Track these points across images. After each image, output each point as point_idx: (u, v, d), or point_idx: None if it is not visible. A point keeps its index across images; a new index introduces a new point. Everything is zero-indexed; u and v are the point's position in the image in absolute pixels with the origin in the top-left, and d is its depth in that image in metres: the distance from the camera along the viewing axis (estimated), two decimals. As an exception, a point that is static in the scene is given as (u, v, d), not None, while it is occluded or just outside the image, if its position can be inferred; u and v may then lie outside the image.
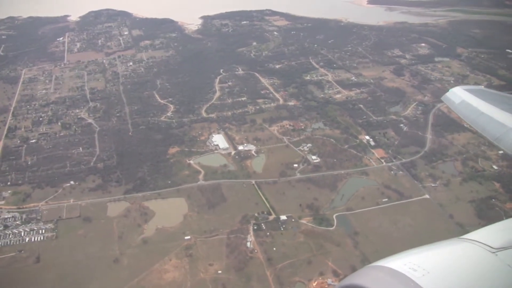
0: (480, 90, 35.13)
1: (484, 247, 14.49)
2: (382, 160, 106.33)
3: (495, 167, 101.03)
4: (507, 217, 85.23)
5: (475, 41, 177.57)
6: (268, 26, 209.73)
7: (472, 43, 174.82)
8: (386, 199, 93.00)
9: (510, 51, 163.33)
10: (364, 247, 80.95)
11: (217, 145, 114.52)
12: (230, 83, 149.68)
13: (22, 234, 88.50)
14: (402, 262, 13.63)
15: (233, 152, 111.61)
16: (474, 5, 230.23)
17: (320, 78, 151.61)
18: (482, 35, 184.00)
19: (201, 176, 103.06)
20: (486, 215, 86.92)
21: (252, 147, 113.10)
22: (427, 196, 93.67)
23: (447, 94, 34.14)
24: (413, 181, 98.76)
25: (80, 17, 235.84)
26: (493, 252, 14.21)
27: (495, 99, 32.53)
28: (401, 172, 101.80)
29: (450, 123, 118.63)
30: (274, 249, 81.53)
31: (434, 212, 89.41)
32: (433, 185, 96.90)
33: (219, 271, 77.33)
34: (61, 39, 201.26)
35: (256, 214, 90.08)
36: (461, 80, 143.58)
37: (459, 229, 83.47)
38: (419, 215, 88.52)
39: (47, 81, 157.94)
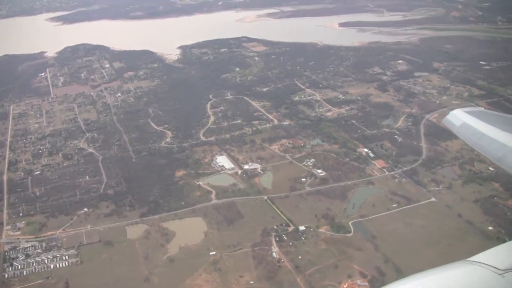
0: (481, 111, 37.83)
1: (491, 269, 15.22)
2: (384, 170, 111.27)
3: (491, 168, 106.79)
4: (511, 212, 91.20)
5: (448, 55, 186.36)
6: (248, 52, 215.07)
7: (446, 58, 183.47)
8: (396, 205, 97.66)
9: (483, 62, 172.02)
10: (384, 249, 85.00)
11: (223, 165, 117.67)
12: (222, 108, 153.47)
13: (46, 262, 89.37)
14: (412, 286, 15.05)
15: (239, 172, 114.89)
16: (441, 23, 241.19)
17: (308, 98, 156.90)
18: (454, 50, 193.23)
19: (213, 196, 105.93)
20: (492, 212, 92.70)
21: (257, 166, 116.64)
22: (433, 199, 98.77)
23: (448, 116, 36.35)
24: (418, 186, 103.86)
25: (57, 53, 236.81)
26: (500, 274, 14.98)
27: (495, 120, 34.01)
28: (404, 180, 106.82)
29: (441, 132, 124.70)
30: (300, 257, 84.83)
31: (442, 213, 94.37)
32: (437, 189, 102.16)
33: (251, 282, 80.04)
34: (43, 74, 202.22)
35: (275, 227, 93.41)
36: (443, 92, 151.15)
37: (470, 226, 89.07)
38: (430, 217, 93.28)
39: (38, 115, 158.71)
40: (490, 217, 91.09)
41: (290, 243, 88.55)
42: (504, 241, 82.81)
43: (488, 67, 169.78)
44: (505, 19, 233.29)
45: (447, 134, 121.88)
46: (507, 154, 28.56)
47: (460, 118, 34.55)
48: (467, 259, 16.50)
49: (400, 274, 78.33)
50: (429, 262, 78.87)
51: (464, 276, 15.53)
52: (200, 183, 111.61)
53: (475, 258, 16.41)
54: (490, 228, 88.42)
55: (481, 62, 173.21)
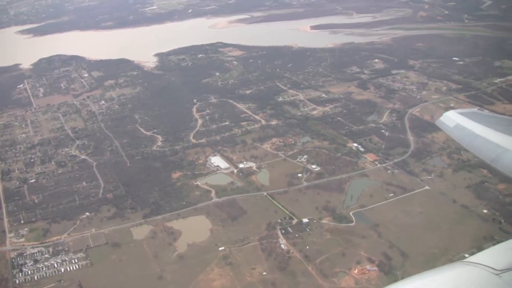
0: (474, 112, 39.45)
1: (488, 270, 15.29)
2: (376, 162, 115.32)
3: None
4: (503, 195, 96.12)
5: (422, 53, 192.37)
6: (225, 57, 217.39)
7: (420, 55, 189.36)
8: (392, 194, 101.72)
9: (456, 58, 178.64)
10: (387, 236, 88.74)
11: (218, 165, 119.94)
12: (208, 111, 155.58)
13: (56, 266, 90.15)
14: None
15: (235, 170, 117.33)
16: (409, 22, 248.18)
17: (292, 98, 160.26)
18: (426, 48, 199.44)
19: (213, 194, 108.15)
20: (485, 196, 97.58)
21: (252, 164, 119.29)
22: (427, 187, 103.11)
23: (441, 118, 36.70)
24: (410, 176, 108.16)
25: (32, 64, 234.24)
26: (497, 274, 15.03)
27: (489, 121, 34.27)
28: (397, 171, 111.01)
29: (425, 125, 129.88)
30: (307, 247, 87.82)
31: (438, 199, 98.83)
32: (429, 177, 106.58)
33: (264, 273, 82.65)
34: (21, 86, 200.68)
35: (279, 220, 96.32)
36: (422, 87, 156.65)
37: (466, 210, 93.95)
38: (426, 203, 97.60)
39: (23, 125, 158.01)
40: (483, 201, 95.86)
41: (296, 235, 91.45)
42: (499, 223, 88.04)
43: (461, 62, 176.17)
44: (471, 17, 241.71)
45: (431, 126, 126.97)
46: (501, 154, 28.89)
47: (453, 119, 35.01)
48: (463, 260, 16.71)
49: (406, 257, 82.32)
50: (432, 244, 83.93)
51: (460, 277, 15.51)
52: (198, 183, 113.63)
53: (471, 259, 16.55)
54: (485, 211, 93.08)
55: (454, 58, 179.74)
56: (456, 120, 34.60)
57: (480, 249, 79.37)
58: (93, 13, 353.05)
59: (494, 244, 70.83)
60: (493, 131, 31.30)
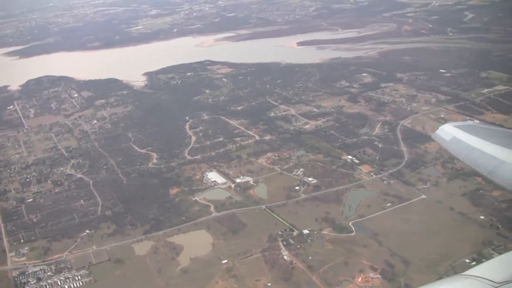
0: (470, 125, 40.28)
1: (487, 282, 15.32)
2: (372, 174, 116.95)
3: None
4: (498, 202, 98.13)
5: (408, 66, 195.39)
6: (214, 75, 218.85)
7: (407, 68, 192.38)
8: (390, 204, 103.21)
9: (443, 70, 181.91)
10: (388, 244, 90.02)
11: (215, 181, 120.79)
12: (201, 127, 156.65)
13: (59, 283, 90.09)
14: None
15: (233, 185, 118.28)
16: (395, 37, 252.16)
17: (284, 113, 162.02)
18: (413, 61, 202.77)
19: (212, 209, 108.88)
20: (481, 203, 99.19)
21: (249, 179, 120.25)
22: (424, 196, 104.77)
23: (438, 131, 37.30)
24: (406, 186, 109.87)
25: (20, 86, 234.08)
26: (496, 287, 15.11)
27: (485, 133, 34.62)
28: (392, 181, 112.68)
29: (418, 136, 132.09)
30: (310, 258, 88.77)
31: (435, 207, 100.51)
32: (425, 186, 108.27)
33: (269, 284, 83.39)
34: (11, 107, 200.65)
35: (280, 232, 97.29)
36: (411, 99, 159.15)
37: (463, 217, 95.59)
38: (424, 212, 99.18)
39: (16, 146, 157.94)
40: (479, 208, 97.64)
41: (298, 246, 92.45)
42: (497, 228, 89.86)
43: (448, 74, 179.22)
44: (455, 29, 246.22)
45: (423, 137, 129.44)
46: (498, 167, 29.02)
47: (449, 132, 35.66)
48: (463, 273, 16.81)
49: (408, 264, 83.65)
50: (433, 251, 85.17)
51: None
52: (196, 198, 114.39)
53: (471, 272, 16.65)
54: (482, 217, 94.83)
55: (441, 70, 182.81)
56: (452, 133, 35.28)
57: (479, 254, 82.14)
58: (78, 34, 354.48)
59: (493, 249, 72.50)
60: (489, 144, 31.71)
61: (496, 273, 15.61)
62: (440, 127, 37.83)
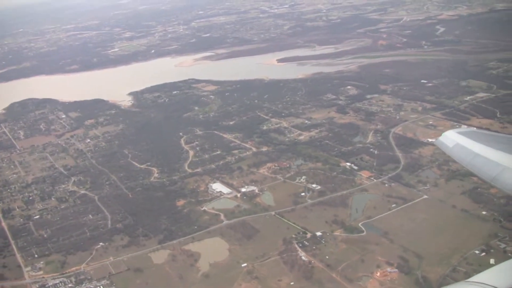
0: (473, 132, 41.00)
1: None
2: (372, 178, 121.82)
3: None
4: (497, 198, 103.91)
5: (390, 78, 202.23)
6: (200, 92, 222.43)
7: (389, 80, 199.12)
8: (394, 205, 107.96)
9: (425, 81, 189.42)
10: (399, 241, 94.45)
11: (220, 191, 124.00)
12: (196, 142, 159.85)
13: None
14: None
15: (239, 195, 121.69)
16: (371, 51, 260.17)
17: (276, 126, 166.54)
18: (393, 73, 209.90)
19: (222, 217, 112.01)
20: (481, 200, 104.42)
21: (254, 188, 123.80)
22: (426, 196, 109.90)
23: (440, 138, 37.07)
24: (407, 188, 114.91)
25: (4, 109, 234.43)
26: None
27: (487, 139, 34.82)
28: (393, 184, 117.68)
29: (410, 141, 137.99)
30: (327, 257, 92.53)
31: (438, 206, 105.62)
32: (425, 188, 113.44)
33: (291, 283, 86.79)
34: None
35: (293, 235, 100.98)
36: (399, 108, 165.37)
37: (466, 214, 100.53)
38: (428, 210, 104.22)
39: (12, 166, 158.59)
40: (480, 204, 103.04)
41: (314, 247, 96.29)
42: (500, 222, 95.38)
43: (430, 84, 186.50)
44: (429, 43, 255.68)
45: (416, 143, 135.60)
46: (501, 173, 29.13)
47: (452, 139, 35.58)
48: (467, 280, 17.08)
49: (421, 258, 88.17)
50: (443, 245, 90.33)
51: None
52: (205, 208, 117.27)
53: (475, 278, 16.80)
54: (484, 212, 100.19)
55: (422, 80, 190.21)
56: (455, 140, 35.27)
57: (487, 245, 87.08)
58: (55, 58, 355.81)
59: (499, 240, 77.66)
60: (492, 150, 31.89)
61: (500, 280, 15.95)
62: (443, 134, 37.92)
